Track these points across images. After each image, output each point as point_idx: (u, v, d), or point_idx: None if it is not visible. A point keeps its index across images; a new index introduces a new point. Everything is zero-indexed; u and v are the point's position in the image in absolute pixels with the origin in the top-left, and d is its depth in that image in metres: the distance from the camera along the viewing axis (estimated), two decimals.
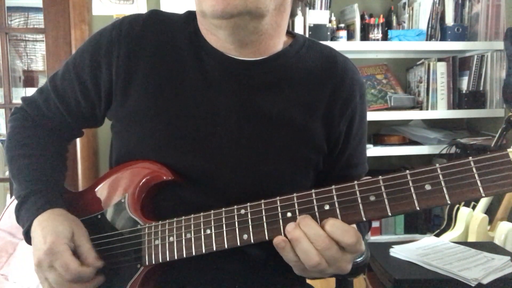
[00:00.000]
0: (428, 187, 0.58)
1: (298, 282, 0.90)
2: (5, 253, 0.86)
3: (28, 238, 0.77)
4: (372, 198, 0.60)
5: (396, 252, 1.41)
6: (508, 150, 0.55)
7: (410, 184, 0.58)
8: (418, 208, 0.58)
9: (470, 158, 0.56)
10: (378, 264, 1.37)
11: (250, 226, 0.66)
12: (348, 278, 1.07)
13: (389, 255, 1.41)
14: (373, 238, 2.18)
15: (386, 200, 0.59)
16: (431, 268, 1.30)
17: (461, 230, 1.91)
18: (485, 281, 1.22)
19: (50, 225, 0.74)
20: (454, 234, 1.92)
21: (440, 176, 0.57)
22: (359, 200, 0.61)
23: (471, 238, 1.87)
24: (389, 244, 1.45)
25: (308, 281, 0.94)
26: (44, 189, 0.80)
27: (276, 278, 0.83)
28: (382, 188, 0.60)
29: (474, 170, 0.55)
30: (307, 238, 0.61)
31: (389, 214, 0.59)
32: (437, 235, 1.98)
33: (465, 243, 1.52)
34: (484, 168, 0.55)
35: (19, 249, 0.77)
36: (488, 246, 1.49)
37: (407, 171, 0.59)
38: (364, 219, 0.61)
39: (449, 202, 0.57)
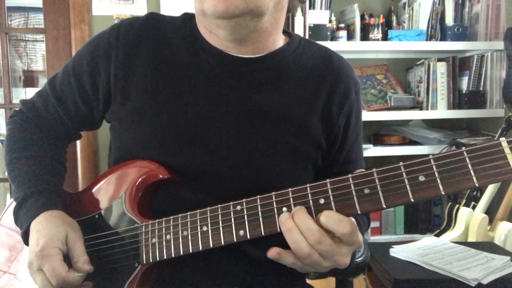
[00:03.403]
0: (422, 178, 0.57)
1: (298, 282, 0.90)
2: (12, 249, 0.87)
3: (26, 240, 0.77)
4: (367, 191, 0.60)
5: (396, 252, 1.41)
6: (501, 139, 0.55)
7: (404, 176, 0.58)
8: (412, 200, 0.58)
9: (463, 148, 0.56)
10: (378, 264, 1.37)
11: (246, 222, 0.66)
12: (348, 278, 1.07)
13: (389, 255, 1.41)
14: (373, 238, 2.18)
15: (380, 193, 0.60)
16: (431, 268, 1.30)
17: (461, 230, 1.91)
18: (485, 281, 1.22)
19: (45, 228, 0.74)
20: (454, 234, 1.92)
21: (434, 167, 0.57)
22: (354, 193, 0.61)
23: (471, 238, 1.87)
24: (389, 244, 1.46)
25: (308, 281, 0.94)
26: (42, 190, 0.80)
27: (276, 278, 0.83)
28: (376, 180, 0.60)
29: (467, 160, 0.56)
30: (299, 230, 0.62)
31: (384, 206, 0.59)
32: (437, 235, 1.98)
33: (465, 243, 1.52)
34: (477, 157, 0.55)
35: (27, 248, 0.77)
36: (488, 246, 1.49)
37: (401, 163, 0.59)
38: (359, 212, 0.61)
39: (443, 192, 0.57)
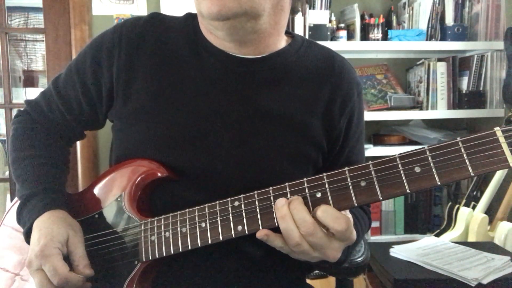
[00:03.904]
0: (417, 169, 0.58)
1: (298, 281, 0.90)
2: (17, 250, 0.87)
3: (28, 239, 0.77)
4: (363, 184, 0.61)
5: (396, 252, 1.41)
6: (495, 129, 0.55)
7: (400, 167, 0.59)
8: (408, 191, 0.58)
9: (458, 138, 0.56)
10: (378, 264, 1.37)
11: (244, 217, 0.66)
12: (348, 278, 1.07)
13: (389, 255, 1.41)
14: (373, 238, 2.18)
15: (376, 185, 0.60)
16: (431, 268, 1.30)
17: (461, 230, 1.91)
18: (485, 281, 1.22)
19: (47, 228, 0.74)
20: (454, 234, 1.92)
21: (429, 157, 0.57)
22: (350, 186, 0.61)
23: (471, 238, 1.87)
24: (389, 244, 1.46)
25: (308, 281, 0.95)
26: (46, 190, 0.80)
27: (276, 278, 0.83)
28: (373, 173, 0.60)
29: (463, 150, 0.56)
30: (292, 219, 0.62)
31: (380, 198, 0.60)
32: (437, 235, 1.98)
33: (465, 243, 1.52)
34: (472, 147, 0.55)
35: None
36: (488, 246, 1.49)
37: (397, 155, 0.59)
38: (356, 204, 0.61)
39: (439, 183, 0.57)
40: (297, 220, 0.62)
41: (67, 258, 0.74)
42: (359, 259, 0.99)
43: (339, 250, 0.65)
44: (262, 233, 0.64)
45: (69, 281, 0.71)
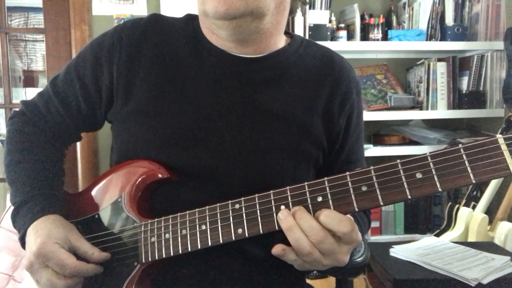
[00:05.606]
0: (419, 175, 0.58)
1: (298, 282, 0.90)
2: (11, 252, 0.86)
3: (23, 244, 0.77)
4: (364, 189, 0.61)
5: (396, 252, 1.41)
6: (497, 136, 0.55)
7: (401, 173, 0.59)
8: (409, 197, 0.58)
9: (460, 145, 0.57)
10: (378, 264, 1.37)
11: (245, 220, 0.66)
12: (348, 278, 1.07)
13: (389, 255, 1.41)
14: (373, 238, 2.18)
15: (378, 190, 0.60)
16: (431, 268, 1.30)
17: (461, 230, 1.91)
18: (485, 281, 1.22)
19: (44, 229, 0.74)
20: (454, 234, 1.92)
21: (431, 164, 0.57)
22: (351, 191, 0.61)
23: (471, 238, 1.87)
24: (389, 244, 1.45)
25: (308, 281, 0.95)
26: (39, 196, 0.80)
27: (276, 278, 0.83)
28: (374, 178, 0.60)
29: (465, 157, 0.56)
30: (300, 229, 0.62)
31: (381, 203, 0.60)
32: (437, 235, 1.98)
33: (465, 243, 1.52)
34: (474, 154, 0.56)
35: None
36: (488, 246, 1.49)
37: (398, 160, 0.60)
38: (357, 209, 0.61)
39: (440, 189, 0.57)
40: (305, 229, 0.62)
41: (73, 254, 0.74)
42: (359, 259, 0.99)
43: (348, 254, 0.65)
44: (278, 249, 0.64)
45: (80, 269, 0.71)
